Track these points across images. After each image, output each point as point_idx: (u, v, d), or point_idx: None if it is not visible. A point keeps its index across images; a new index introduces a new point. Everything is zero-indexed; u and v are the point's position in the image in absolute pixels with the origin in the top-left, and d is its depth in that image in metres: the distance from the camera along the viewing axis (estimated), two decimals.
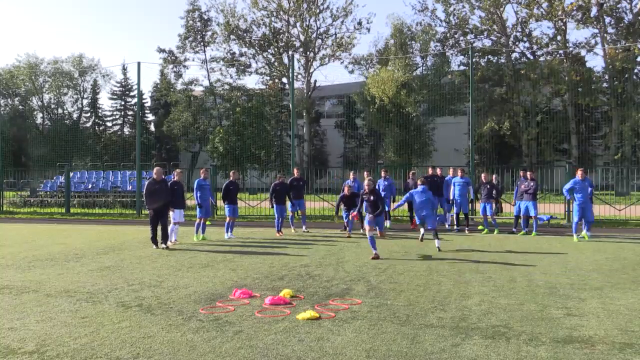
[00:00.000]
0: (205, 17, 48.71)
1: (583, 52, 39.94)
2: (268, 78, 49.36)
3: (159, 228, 11.87)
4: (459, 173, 15.60)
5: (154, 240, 11.79)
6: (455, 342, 5.01)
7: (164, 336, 5.22)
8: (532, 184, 14.41)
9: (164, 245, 11.69)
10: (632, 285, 7.62)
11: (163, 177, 12.25)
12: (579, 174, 13.56)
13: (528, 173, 14.80)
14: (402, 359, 4.60)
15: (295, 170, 16.05)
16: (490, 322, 5.68)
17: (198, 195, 13.59)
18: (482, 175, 15.73)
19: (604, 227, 16.68)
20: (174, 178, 13.31)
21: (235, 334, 5.27)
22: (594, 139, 42.17)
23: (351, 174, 16.07)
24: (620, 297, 6.83)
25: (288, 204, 15.14)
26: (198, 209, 13.58)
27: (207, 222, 14.69)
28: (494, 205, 15.15)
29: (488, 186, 14.95)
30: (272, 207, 14.86)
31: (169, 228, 12.75)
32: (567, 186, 13.59)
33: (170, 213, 12.84)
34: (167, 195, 11.99)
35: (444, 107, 39.73)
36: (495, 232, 14.74)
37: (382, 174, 16.66)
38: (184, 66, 49.93)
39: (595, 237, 13.69)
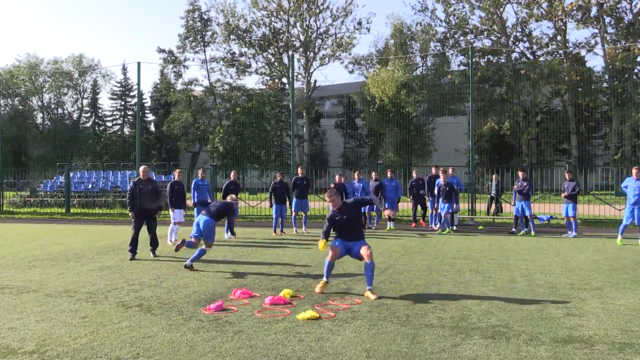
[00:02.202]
0: (205, 17, 48.75)
1: (583, 52, 40.01)
2: (268, 78, 49.39)
3: (145, 234, 10.48)
4: (450, 172, 15.68)
5: (132, 248, 10.24)
6: (455, 342, 5.01)
7: (164, 336, 5.22)
8: (525, 184, 14.40)
9: (152, 255, 10.43)
10: (632, 285, 7.62)
11: (149, 177, 10.82)
12: (634, 172, 12.40)
13: (520, 173, 14.80)
14: (402, 359, 4.60)
15: (299, 170, 16.03)
16: (490, 322, 5.68)
17: (195, 195, 13.50)
18: (441, 176, 15.28)
19: (604, 227, 16.69)
20: (174, 178, 13.34)
21: (235, 334, 5.27)
22: (594, 139, 42.17)
23: (356, 174, 16.08)
24: (620, 297, 6.83)
25: (288, 203, 15.12)
26: (195, 210, 13.38)
27: None
28: (453, 206, 15.11)
29: (447, 188, 14.95)
30: (271, 206, 14.79)
31: (169, 228, 12.76)
32: (623, 184, 12.63)
33: (171, 213, 12.84)
34: (153, 197, 10.42)
35: (443, 107, 39.77)
36: (447, 231, 14.76)
37: (389, 174, 16.53)
38: (184, 66, 49.96)
39: (595, 237, 13.69)
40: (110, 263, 9.71)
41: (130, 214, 10.48)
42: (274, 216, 14.69)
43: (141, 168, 10.72)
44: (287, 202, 15.00)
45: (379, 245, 12.09)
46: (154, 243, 10.55)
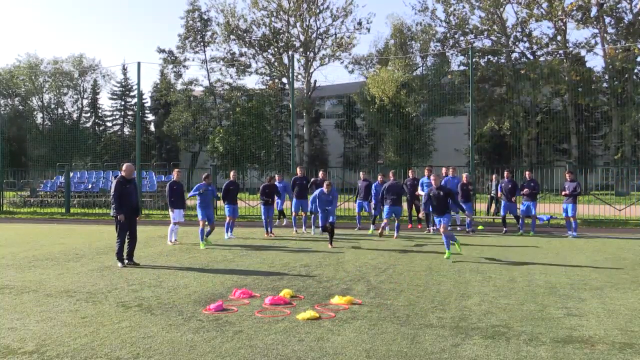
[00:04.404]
0: (205, 17, 48.70)
1: (583, 52, 39.95)
2: (268, 78, 49.34)
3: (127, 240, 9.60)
4: (426, 173, 15.45)
5: (120, 255, 9.40)
6: (455, 342, 5.01)
7: (164, 336, 5.22)
8: (532, 184, 14.40)
9: (131, 262, 9.51)
10: (632, 285, 7.63)
11: (134, 176, 10.01)
12: None
13: (527, 173, 14.81)
14: (402, 359, 4.60)
15: (298, 170, 15.95)
16: (490, 322, 5.68)
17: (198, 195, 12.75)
18: (431, 177, 15.31)
19: (604, 227, 16.69)
20: (173, 178, 13.28)
21: (235, 334, 5.27)
22: (594, 139, 42.17)
23: (362, 174, 16.02)
24: (620, 297, 6.84)
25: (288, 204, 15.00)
26: (199, 212, 12.55)
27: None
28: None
29: (440, 194, 14.98)
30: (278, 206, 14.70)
31: (169, 228, 12.74)
32: None
33: (170, 213, 12.80)
34: (136, 198, 9.97)
35: (444, 107, 39.73)
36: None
37: (380, 178, 15.61)
38: (184, 66, 49.91)
39: (595, 237, 13.69)
40: (110, 263, 9.70)
41: (118, 216, 9.40)
42: (263, 217, 14.33)
43: (127, 166, 9.67)
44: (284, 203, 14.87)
45: (378, 246, 12.09)
46: (133, 248, 9.65)
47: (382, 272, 8.62)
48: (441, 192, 10.47)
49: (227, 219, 13.97)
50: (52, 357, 4.64)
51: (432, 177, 11.12)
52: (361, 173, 16.29)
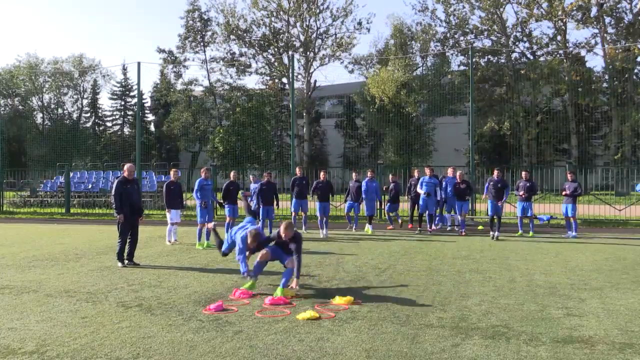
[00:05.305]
0: (205, 17, 48.70)
1: (583, 52, 39.98)
2: (268, 78, 49.36)
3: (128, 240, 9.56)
4: (428, 172, 15.36)
5: (121, 255, 9.41)
6: (455, 342, 5.01)
7: (164, 336, 5.22)
8: (528, 184, 14.31)
9: (131, 262, 9.50)
10: (632, 285, 7.63)
11: (135, 176, 10.04)
12: None
13: (523, 173, 14.71)
14: (402, 359, 4.60)
15: (297, 170, 15.92)
16: (490, 322, 5.68)
17: (198, 195, 12.68)
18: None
19: (604, 227, 16.69)
20: (170, 178, 13.22)
21: (235, 334, 5.27)
22: (594, 139, 42.17)
23: (354, 174, 15.97)
24: (620, 297, 6.84)
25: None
26: (199, 213, 12.54)
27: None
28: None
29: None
30: (259, 208, 13.89)
31: (167, 228, 12.72)
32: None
33: (167, 214, 12.76)
34: (139, 198, 10.03)
35: (444, 107, 39.75)
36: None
37: (369, 174, 15.89)
38: (184, 66, 49.89)
39: (595, 237, 13.69)
40: (110, 263, 9.70)
41: (118, 216, 9.48)
42: (260, 218, 13.90)
43: (128, 166, 9.74)
44: (275, 203, 14.17)
45: (378, 246, 12.09)
46: (133, 248, 9.64)
47: (382, 272, 8.62)
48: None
49: (227, 219, 13.95)
50: (52, 357, 4.64)
51: None
52: (353, 174, 16.04)
